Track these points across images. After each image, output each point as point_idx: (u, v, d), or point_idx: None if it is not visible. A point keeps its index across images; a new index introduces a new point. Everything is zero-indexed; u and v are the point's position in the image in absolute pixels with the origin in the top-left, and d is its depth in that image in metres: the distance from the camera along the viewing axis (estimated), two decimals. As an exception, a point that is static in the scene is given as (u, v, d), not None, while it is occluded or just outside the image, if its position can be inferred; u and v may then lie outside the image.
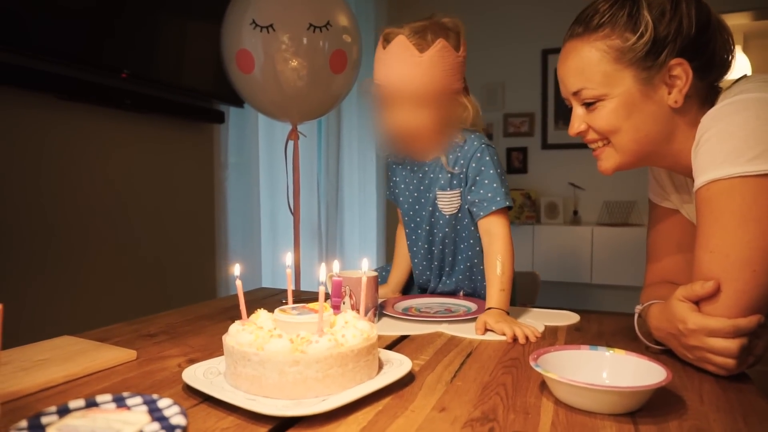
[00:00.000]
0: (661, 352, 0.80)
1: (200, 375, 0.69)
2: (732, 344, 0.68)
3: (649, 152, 0.84)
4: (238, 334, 0.66)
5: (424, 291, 1.27)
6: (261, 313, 0.72)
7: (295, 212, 1.79)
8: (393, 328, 0.98)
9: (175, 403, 0.37)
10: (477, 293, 1.20)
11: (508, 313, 0.99)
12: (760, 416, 0.60)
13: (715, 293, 0.70)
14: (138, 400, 0.37)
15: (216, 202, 2.01)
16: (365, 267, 0.82)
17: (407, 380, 0.70)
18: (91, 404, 0.37)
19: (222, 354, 0.70)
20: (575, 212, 3.80)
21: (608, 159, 0.86)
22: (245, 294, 0.72)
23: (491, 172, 1.09)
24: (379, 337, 0.73)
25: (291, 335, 0.64)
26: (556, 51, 4.16)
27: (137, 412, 0.35)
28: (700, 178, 0.73)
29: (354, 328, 0.67)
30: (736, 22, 3.46)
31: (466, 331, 0.95)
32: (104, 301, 1.56)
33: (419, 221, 1.20)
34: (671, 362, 0.75)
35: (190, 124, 1.91)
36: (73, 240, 1.49)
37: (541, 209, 3.83)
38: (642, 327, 0.85)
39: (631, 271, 3.32)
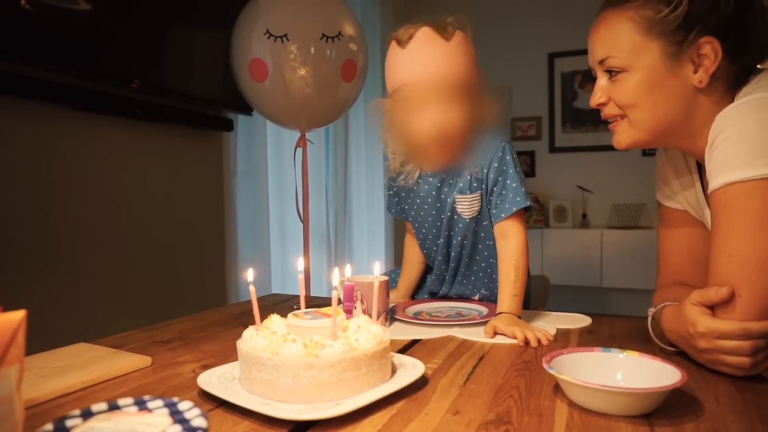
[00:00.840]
0: (675, 353, 0.80)
1: (215, 380, 0.69)
2: (745, 343, 0.67)
3: (665, 131, 0.82)
4: (252, 339, 0.66)
5: (433, 296, 1.27)
6: (274, 318, 0.73)
7: (305, 218, 1.80)
8: (404, 332, 0.98)
9: (196, 405, 0.37)
10: (494, 295, 1.19)
11: (519, 318, 0.99)
12: (777, 417, 0.59)
13: (729, 299, 0.69)
14: (159, 403, 0.38)
15: (225, 209, 2.03)
16: (377, 271, 0.83)
17: (420, 384, 0.70)
18: (114, 407, 0.38)
19: (236, 359, 0.71)
20: (584, 215, 3.79)
21: (623, 133, 0.85)
22: (257, 300, 0.73)
23: (512, 171, 1.07)
24: (391, 342, 0.73)
25: (305, 340, 0.64)
26: (563, 55, 4.16)
27: (159, 415, 0.36)
28: (717, 180, 0.72)
29: (367, 332, 0.68)
30: None
31: (478, 335, 0.95)
32: (116, 308, 1.57)
33: (436, 230, 1.17)
34: (685, 364, 0.75)
35: (200, 132, 1.92)
36: (85, 248, 1.50)
37: (550, 213, 3.82)
38: (655, 329, 0.85)
39: (641, 274, 3.30)
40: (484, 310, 1.12)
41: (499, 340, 0.92)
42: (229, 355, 0.85)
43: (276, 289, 2.23)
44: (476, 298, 1.21)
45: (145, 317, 1.25)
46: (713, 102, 0.78)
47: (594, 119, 3.70)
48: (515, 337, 0.91)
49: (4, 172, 1.30)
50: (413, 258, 1.29)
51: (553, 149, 3.91)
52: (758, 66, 0.80)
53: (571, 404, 0.63)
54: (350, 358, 0.63)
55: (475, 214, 1.11)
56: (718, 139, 0.73)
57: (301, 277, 0.77)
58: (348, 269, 0.78)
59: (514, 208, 1.06)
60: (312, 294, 1.86)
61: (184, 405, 0.37)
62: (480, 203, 1.11)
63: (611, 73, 0.82)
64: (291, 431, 0.57)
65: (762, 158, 0.68)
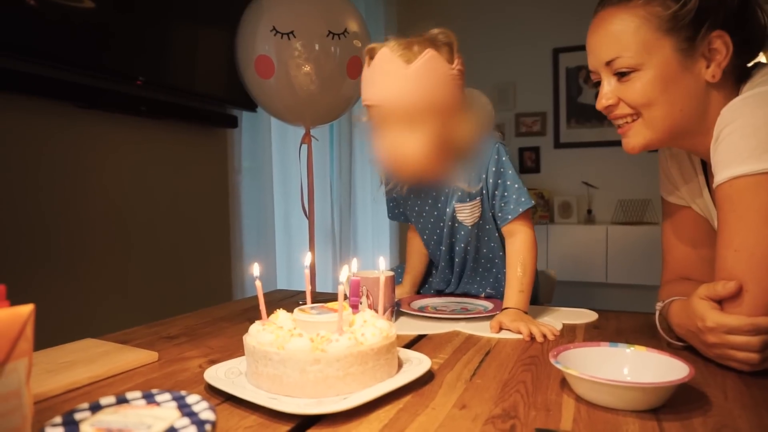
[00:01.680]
0: (683, 348, 0.80)
1: (222, 375, 0.69)
2: (753, 338, 0.67)
3: (680, 129, 0.80)
4: (258, 334, 0.66)
5: (439, 293, 1.27)
6: (280, 313, 0.73)
7: (310, 215, 1.80)
8: (410, 327, 0.98)
9: (204, 399, 0.37)
10: (501, 294, 1.18)
11: (526, 313, 0.99)
12: (786, 412, 0.59)
13: (736, 293, 0.69)
14: (167, 396, 0.38)
15: (230, 206, 2.03)
16: (383, 266, 0.83)
17: (427, 378, 0.70)
18: (122, 401, 0.38)
19: (242, 354, 0.71)
20: (589, 211, 3.77)
21: (637, 135, 0.82)
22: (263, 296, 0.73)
23: (510, 172, 1.05)
24: (397, 337, 0.73)
25: (311, 334, 0.64)
26: (568, 50, 4.13)
27: (167, 408, 0.36)
28: (722, 174, 0.72)
29: (373, 326, 0.68)
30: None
31: (484, 330, 0.95)
32: (122, 305, 1.58)
33: (437, 237, 1.17)
34: (693, 358, 0.74)
35: (204, 129, 1.93)
36: (90, 244, 1.51)
37: (555, 209, 3.81)
38: (662, 324, 0.84)
39: (646, 270, 3.29)
40: (490, 305, 1.12)
41: (505, 335, 0.92)
42: (236, 350, 0.86)
43: (281, 286, 2.23)
44: (482, 296, 1.21)
45: (151, 314, 1.26)
46: (725, 97, 0.77)
47: (599, 115, 3.66)
48: (520, 333, 0.91)
49: (10, 169, 1.31)
50: (417, 253, 1.28)
51: (558, 145, 3.90)
52: (757, 60, 0.79)
53: (579, 399, 0.63)
54: (357, 352, 0.63)
55: (476, 221, 1.10)
56: (723, 133, 0.73)
57: (307, 272, 0.77)
58: (354, 263, 0.77)
59: (520, 209, 1.05)
60: (317, 290, 1.85)
61: (192, 398, 0.38)
62: (481, 209, 1.09)
63: (620, 74, 0.80)
64: (298, 425, 0.57)
65: None
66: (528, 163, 3.95)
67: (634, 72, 0.78)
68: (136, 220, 1.64)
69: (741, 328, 0.67)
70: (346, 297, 0.75)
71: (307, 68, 1.62)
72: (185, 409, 0.36)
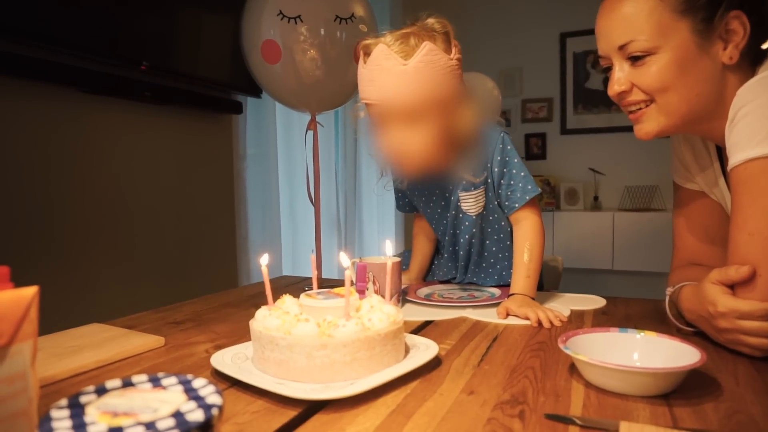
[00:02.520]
0: (693, 334, 0.79)
1: (228, 360, 0.69)
2: (766, 323, 0.66)
3: (696, 114, 0.78)
4: (265, 319, 0.66)
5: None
6: (287, 299, 0.73)
7: (316, 201, 1.79)
8: (417, 313, 0.97)
9: (210, 383, 0.37)
10: (508, 283, 1.17)
11: (533, 299, 0.98)
12: (799, 398, 0.58)
13: (750, 278, 0.67)
14: (173, 380, 0.38)
15: (235, 192, 2.03)
16: (389, 250, 0.82)
17: (434, 364, 0.70)
18: (128, 384, 0.37)
19: (248, 340, 0.71)
20: (596, 198, 3.75)
21: (651, 121, 0.80)
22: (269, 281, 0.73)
23: (516, 161, 1.04)
24: (404, 322, 0.72)
25: (318, 320, 0.64)
26: (575, 34, 4.08)
27: (173, 392, 0.36)
28: (737, 156, 0.70)
29: (380, 312, 0.67)
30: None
31: (491, 316, 0.94)
32: (128, 291, 1.58)
33: (443, 228, 1.16)
34: (703, 344, 0.74)
35: (209, 115, 1.92)
36: (96, 230, 1.51)
37: (561, 195, 3.79)
38: (672, 309, 0.83)
39: (653, 257, 3.27)
40: (497, 291, 1.11)
41: (513, 321, 0.91)
42: (242, 335, 0.85)
43: (287, 272, 2.24)
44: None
45: (157, 300, 1.26)
46: (740, 80, 0.75)
47: (606, 100, 3.64)
48: (528, 318, 0.90)
49: (15, 154, 1.30)
50: (424, 238, 1.28)
51: (564, 131, 3.86)
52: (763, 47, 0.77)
53: (588, 384, 0.62)
54: (364, 337, 0.62)
55: (480, 210, 1.09)
56: (738, 114, 0.71)
57: (314, 257, 0.77)
58: (343, 256, 0.75)
59: (527, 197, 1.04)
60: (322, 276, 1.86)
61: (198, 382, 0.37)
62: (485, 199, 1.08)
63: (634, 58, 0.77)
64: (304, 411, 0.57)
65: None
66: (534, 149, 3.93)
67: (649, 56, 0.76)
68: (141, 206, 1.64)
69: (754, 313, 0.66)
70: (352, 282, 0.74)
71: (314, 53, 1.60)
72: (192, 393, 0.35)
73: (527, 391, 0.61)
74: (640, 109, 0.80)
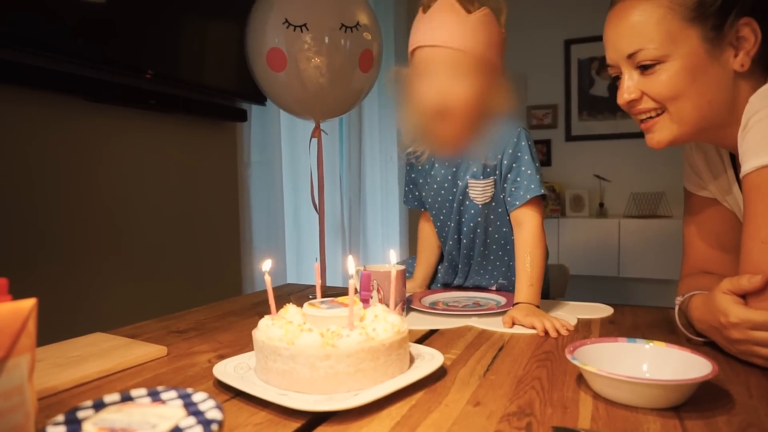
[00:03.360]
0: (703, 344, 0.77)
1: (231, 370, 0.68)
2: None
3: (709, 122, 0.77)
4: (268, 329, 0.65)
5: (447, 287, 1.25)
6: (290, 308, 0.72)
7: (320, 209, 1.79)
8: (422, 322, 0.96)
9: (210, 397, 0.36)
10: (513, 284, 1.16)
11: (538, 308, 0.97)
12: (814, 410, 0.57)
13: (763, 288, 0.66)
14: (173, 394, 0.37)
15: (240, 199, 2.02)
16: (393, 259, 0.81)
17: (439, 374, 0.69)
18: (126, 398, 0.37)
19: (251, 349, 0.70)
20: (601, 204, 3.73)
21: (663, 130, 0.79)
22: (273, 290, 0.72)
23: (527, 158, 1.04)
24: (409, 331, 0.71)
25: (321, 329, 0.63)
26: (579, 41, 4.08)
27: (172, 407, 0.35)
28: (750, 163, 0.69)
29: (384, 321, 0.66)
30: None
31: (497, 325, 0.93)
32: (130, 299, 1.58)
33: (446, 212, 1.16)
34: (714, 354, 0.72)
35: (214, 123, 1.92)
36: (100, 238, 1.51)
37: (566, 202, 3.78)
38: (681, 319, 0.82)
39: (660, 264, 3.25)
40: (502, 299, 1.10)
41: (519, 330, 0.90)
42: (245, 344, 0.85)
43: (291, 280, 2.23)
44: (494, 288, 1.19)
45: (161, 308, 1.26)
46: (753, 86, 0.74)
47: (611, 107, 3.63)
48: (534, 328, 0.89)
49: (20, 162, 1.30)
50: (429, 245, 1.27)
51: (569, 137, 3.85)
52: None
53: (596, 396, 0.61)
54: (368, 348, 0.61)
55: (488, 200, 1.09)
56: (751, 121, 0.70)
57: (317, 265, 0.76)
58: (351, 261, 0.75)
59: (528, 196, 1.03)
60: (327, 284, 1.85)
61: (198, 396, 0.36)
62: (494, 189, 1.08)
63: (644, 66, 0.77)
64: (308, 422, 0.56)
65: None
66: (539, 156, 3.91)
67: (659, 64, 0.75)
68: (145, 214, 1.64)
69: (767, 323, 0.64)
70: (356, 291, 0.73)
71: (319, 61, 1.60)
72: (191, 408, 0.34)
73: (534, 403, 0.60)
74: (651, 117, 0.80)
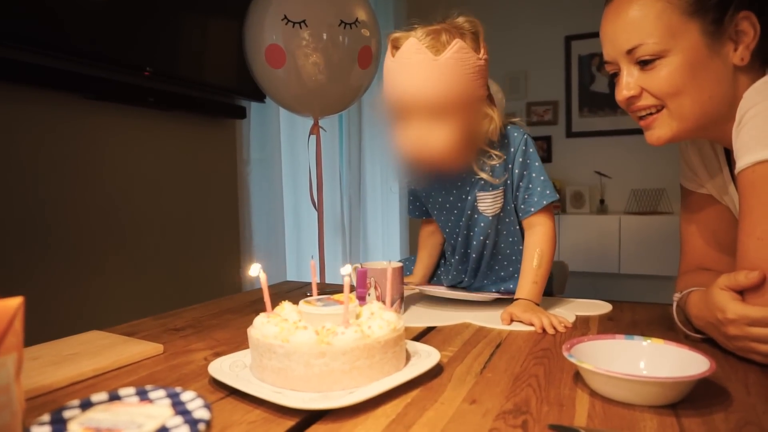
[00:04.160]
0: (702, 340, 0.77)
1: (226, 368, 0.68)
2: None
3: (709, 117, 0.76)
4: (263, 327, 0.65)
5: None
6: (285, 305, 0.71)
7: (319, 206, 1.79)
8: (419, 319, 0.96)
9: (199, 396, 0.36)
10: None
11: (538, 305, 0.97)
12: (812, 408, 0.56)
13: (760, 284, 0.66)
14: (161, 393, 0.37)
15: (239, 197, 2.02)
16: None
17: (436, 372, 0.68)
18: (114, 398, 0.36)
19: (248, 347, 0.69)
20: (602, 201, 3.72)
21: (663, 127, 0.78)
22: (270, 288, 0.72)
23: (537, 164, 1.03)
24: (406, 329, 0.71)
25: (316, 327, 0.63)
26: (580, 37, 4.07)
27: (160, 406, 0.34)
28: (745, 159, 0.69)
29: (380, 319, 0.66)
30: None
31: (495, 322, 0.93)
32: (130, 297, 1.58)
33: (455, 228, 1.13)
34: (712, 351, 0.72)
35: (213, 120, 1.91)
36: (98, 236, 1.50)
37: (567, 199, 3.77)
38: (680, 315, 0.82)
39: (660, 261, 3.24)
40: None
41: (516, 327, 0.90)
42: (242, 342, 0.84)
43: (291, 277, 2.23)
44: (501, 290, 1.18)
45: (159, 306, 1.25)
46: (752, 81, 0.73)
47: (612, 103, 3.61)
48: (532, 324, 0.88)
49: (19, 160, 1.30)
50: (429, 247, 1.26)
51: (570, 134, 3.84)
52: None
53: (593, 394, 0.60)
54: (363, 345, 0.61)
55: (497, 212, 1.06)
56: (746, 116, 0.69)
57: (313, 262, 0.76)
58: (346, 267, 0.74)
59: (544, 202, 1.02)
60: (327, 282, 1.84)
61: (186, 395, 0.36)
62: (503, 200, 1.06)
63: (643, 62, 0.76)
64: (303, 420, 0.56)
65: None
66: (539, 152, 3.89)
67: (659, 59, 0.74)
68: (144, 212, 1.64)
69: (765, 319, 0.64)
70: (352, 288, 0.73)
71: (317, 58, 1.60)
72: (179, 407, 0.34)
73: (530, 401, 0.59)
74: (651, 114, 0.79)
